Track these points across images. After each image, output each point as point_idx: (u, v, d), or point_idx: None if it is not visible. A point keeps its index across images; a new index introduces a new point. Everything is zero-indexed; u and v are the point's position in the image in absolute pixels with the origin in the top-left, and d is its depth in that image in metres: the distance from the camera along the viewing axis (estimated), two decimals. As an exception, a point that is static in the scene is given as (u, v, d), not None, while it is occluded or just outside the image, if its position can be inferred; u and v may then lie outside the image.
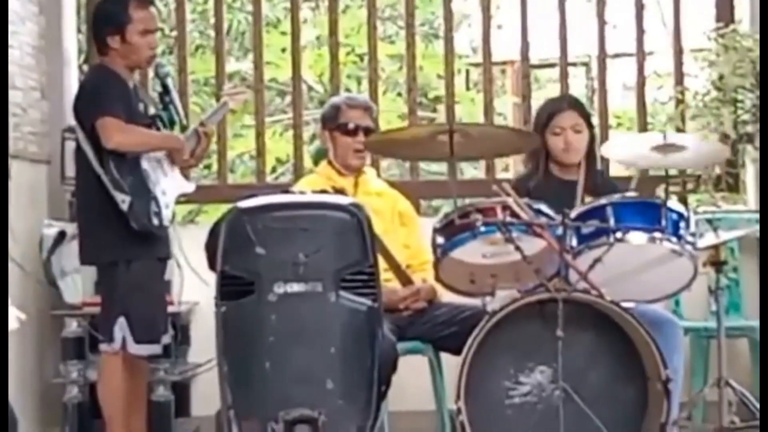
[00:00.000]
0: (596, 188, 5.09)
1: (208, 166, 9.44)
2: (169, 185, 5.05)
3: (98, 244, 5.01)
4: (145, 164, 4.98)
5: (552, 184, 5.13)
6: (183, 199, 5.23)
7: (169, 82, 5.21)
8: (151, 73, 6.01)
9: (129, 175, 4.91)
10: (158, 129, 5.13)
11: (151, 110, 5.16)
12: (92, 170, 4.93)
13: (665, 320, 4.97)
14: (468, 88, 11.07)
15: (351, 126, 5.33)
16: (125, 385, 5.00)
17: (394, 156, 5.31)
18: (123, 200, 4.86)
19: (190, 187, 5.26)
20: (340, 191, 5.14)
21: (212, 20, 9.21)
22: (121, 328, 4.93)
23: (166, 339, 5.18)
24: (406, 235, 5.38)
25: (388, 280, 5.03)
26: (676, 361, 4.80)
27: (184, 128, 5.19)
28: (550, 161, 5.20)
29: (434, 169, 8.73)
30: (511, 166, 9.28)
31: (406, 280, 5.20)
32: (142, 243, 4.94)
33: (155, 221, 4.95)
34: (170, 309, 5.44)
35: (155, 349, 5.06)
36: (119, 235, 4.90)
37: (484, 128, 5.61)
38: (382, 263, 4.65)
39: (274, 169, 9.72)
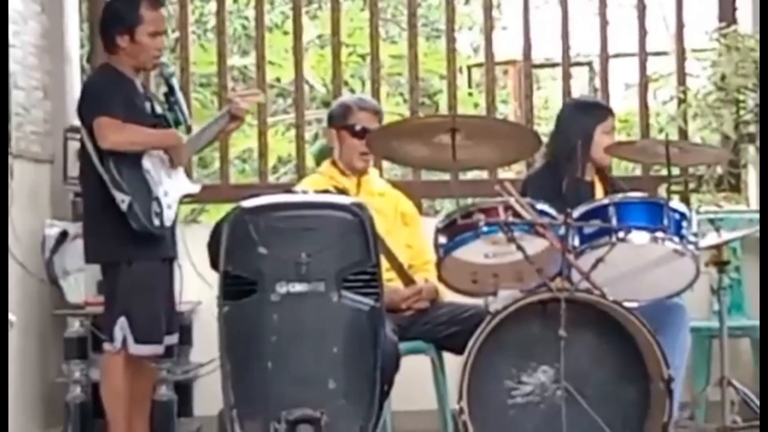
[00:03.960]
0: (613, 188, 5.11)
1: (207, 165, 9.44)
2: (172, 186, 5.02)
3: (100, 243, 4.99)
4: (147, 164, 4.94)
5: (576, 184, 5.12)
6: (187, 199, 5.22)
7: (174, 82, 5.17)
8: (153, 73, 5.97)
9: (130, 175, 4.87)
10: (163, 129, 5.11)
11: (158, 109, 5.13)
12: (95, 169, 4.91)
13: (671, 305, 4.98)
14: (470, 89, 11.03)
15: (359, 128, 5.31)
16: (128, 386, 4.98)
17: (395, 158, 5.27)
18: (123, 200, 4.83)
19: (194, 188, 5.21)
20: (342, 191, 5.14)
21: (209, 25, 9.23)
22: (121, 328, 4.92)
23: (173, 339, 5.16)
24: (409, 235, 5.38)
25: (390, 280, 5.03)
26: (682, 340, 4.84)
27: (189, 129, 5.16)
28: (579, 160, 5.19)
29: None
30: (513, 165, 9.25)
31: (408, 280, 5.20)
32: (143, 243, 4.91)
33: (156, 222, 4.91)
34: (173, 309, 5.43)
35: (157, 349, 5.02)
36: (120, 235, 4.88)
37: (486, 121, 5.60)
38: (384, 263, 4.64)
39: (276, 169, 9.70)
